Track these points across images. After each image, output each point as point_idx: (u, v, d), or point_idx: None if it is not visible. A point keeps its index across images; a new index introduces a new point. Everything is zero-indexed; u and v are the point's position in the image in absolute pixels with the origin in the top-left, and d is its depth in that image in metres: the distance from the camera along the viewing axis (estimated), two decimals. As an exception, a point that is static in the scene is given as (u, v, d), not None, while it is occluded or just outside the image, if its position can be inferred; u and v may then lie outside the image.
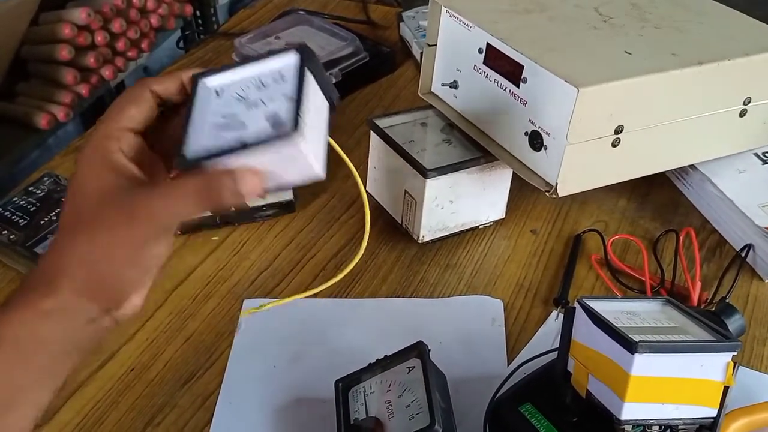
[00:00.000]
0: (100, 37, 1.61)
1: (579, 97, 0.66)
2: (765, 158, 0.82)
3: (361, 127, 0.98)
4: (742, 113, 0.77)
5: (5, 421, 0.43)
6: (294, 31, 1.08)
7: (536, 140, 0.72)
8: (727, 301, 0.70)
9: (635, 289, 0.74)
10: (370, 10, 1.23)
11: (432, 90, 0.87)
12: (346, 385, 0.62)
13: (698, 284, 0.72)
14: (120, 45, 1.65)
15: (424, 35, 1.05)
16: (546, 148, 0.71)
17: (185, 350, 0.71)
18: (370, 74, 1.06)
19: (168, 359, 0.70)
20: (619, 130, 0.71)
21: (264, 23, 1.18)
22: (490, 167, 0.77)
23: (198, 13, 1.98)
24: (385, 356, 0.62)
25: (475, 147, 0.78)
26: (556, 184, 0.71)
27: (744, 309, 0.72)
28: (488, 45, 0.75)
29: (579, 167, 0.71)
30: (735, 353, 0.54)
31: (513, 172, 0.77)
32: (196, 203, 0.44)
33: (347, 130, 0.98)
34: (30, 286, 0.45)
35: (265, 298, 0.76)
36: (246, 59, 0.50)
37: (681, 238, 0.76)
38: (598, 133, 0.70)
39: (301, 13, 1.15)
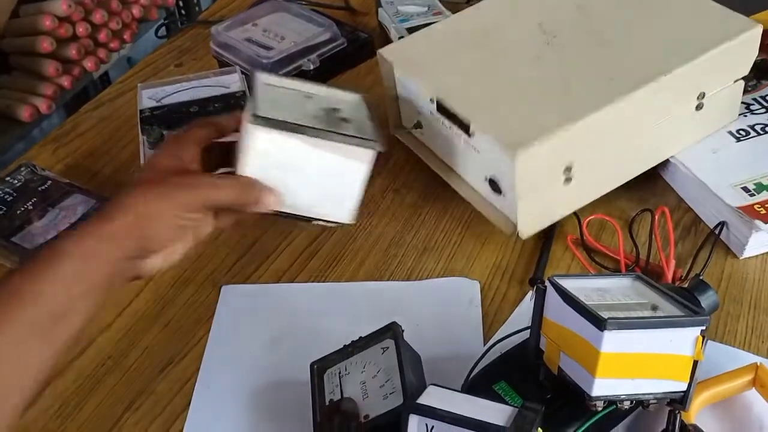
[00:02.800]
0: (81, 29, 1.60)
1: (518, 159, 0.67)
2: (739, 136, 0.82)
3: (339, 113, 0.98)
4: (699, 107, 0.78)
5: (60, 327, 0.51)
6: (272, 17, 1.08)
7: (495, 185, 0.74)
8: (700, 278, 0.70)
9: (610, 269, 0.75)
10: (350, -4, 1.22)
11: (403, 125, 0.88)
12: (321, 367, 0.62)
13: (672, 262, 0.73)
14: (102, 36, 1.65)
15: (403, 20, 1.06)
16: (504, 194, 0.74)
17: (163, 337, 0.71)
18: (349, 60, 1.06)
19: (146, 346, 0.71)
20: (568, 169, 0.72)
21: (243, 11, 1.18)
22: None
23: (181, 3, 1.98)
24: (360, 338, 0.62)
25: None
26: (518, 230, 0.73)
27: (718, 286, 0.73)
28: (437, 98, 0.76)
29: (536, 210, 0.74)
30: (704, 327, 0.54)
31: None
32: (230, 195, 0.59)
33: (326, 117, 0.98)
34: (95, 216, 0.55)
35: (243, 284, 0.76)
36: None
37: (656, 217, 0.77)
38: (548, 179, 0.72)
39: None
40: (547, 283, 0.58)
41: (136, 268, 0.56)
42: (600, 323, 0.52)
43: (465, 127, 0.74)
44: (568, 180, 0.73)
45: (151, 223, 0.55)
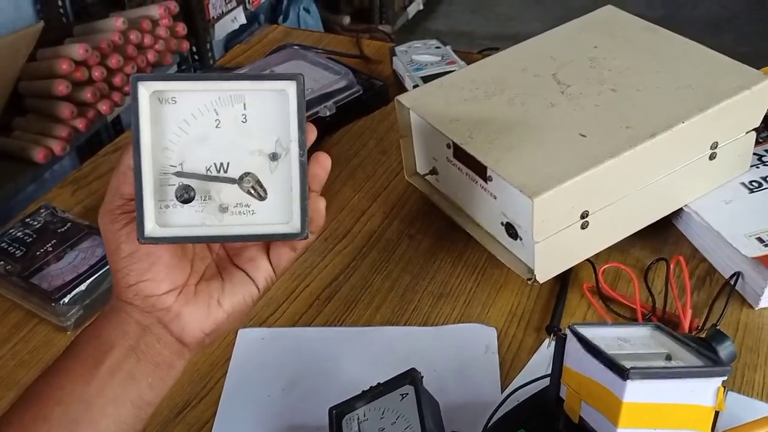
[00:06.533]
0: (97, 73, 1.63)
1: (535, 206, 0.68)
2: (752, 187, 0.83)
3: (354, 159, 1.00)
4: (712, 156, 0.79)
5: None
6: (288, 65, 1.10)
7: (511, 230, 0.75)
8: (717, 327, 0.70)
9: (626, 317, 0.75)
10: (363, 45, 1.25)
11: (417, 171, 0.90)
12: (339, 412, 0.62)
13: (689, 311, 0.73)
14: (117, 80, 1.68)
15: (417, 69, 1.08)
16: (521, 239, 0.74)
17: (180, 380, 0.70)
18: (364, 107, 1.08)
19: (162, 389, 0.70)
20: (585, 215, 0.73)
21: (259, 58, 1.20)
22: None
23: (194, 49, 2.01)
24: (379, 383, 0.62)
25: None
26: (534, 274, 0.74)
27: (734, 336, 0.73)
28: (454, 143, 0.78)
29: (553, 256, 0.74)
30: (725, 378, 0.54)
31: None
32: None
33: (341, 163, 0.99)
34: None
35: (259, 327, 0.76)
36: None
37: (671, 266, 0.77)
38: (565, 224, 0.72)
39: (295, 47, 1.17)
40: (567, 332, 0.58)
41: (160, 331, 0.55)
42: (623, 373, 0.52)
43: (482, 173, 0.75)
44: (584, 225, 0.73)
45: None
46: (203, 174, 0.49)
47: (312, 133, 0.52)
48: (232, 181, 0.50)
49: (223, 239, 0.52)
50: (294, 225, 0.50)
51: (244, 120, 0.49)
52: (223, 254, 0.55)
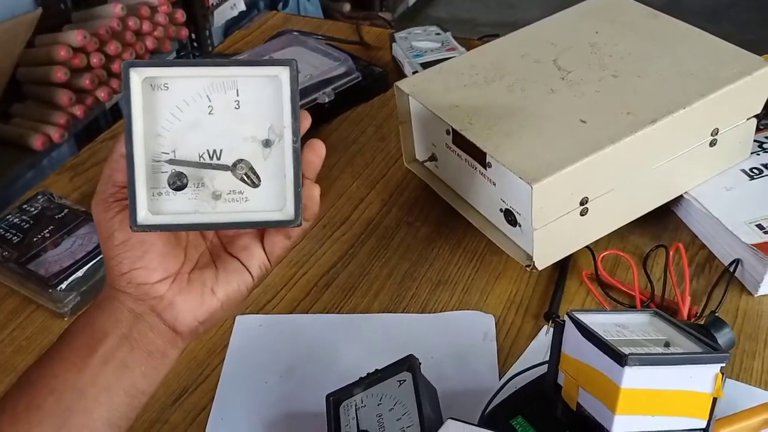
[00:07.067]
0: (95, 59, 1.63)
1: (534, 192, 0.68)
2: (752, 174, 0.82)
3: (353, 146, 0.99)
4: (712, 143, 0.79)
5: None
6: (287, 51, 1.09)
7: (510, 217, 0.75)
8: (716, 314, 0.70)
9: (625, 304, 0.75)
10: (363, 32, 1.24)
11: (416, 158, 0.89)
12: (337, 399, 0.62)
13: (688, 299, 0.73)
14: (115, 67, 1.67)
15: (416, 55, 1.07)
16: (520, 225, 0.74)
17: (177, 366, 0.70)
18: (363, 94, 1.07)
19: (160, 375, 0.70)
20: (584, 201, 0.73)
21: (258, 44, 1.20)
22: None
23: (193, 35, 2.00)
24: (376, 370, 0.62)
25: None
26: (533, 261, 0.73)
27: (733, 323, 0.73)
28: (453, 129, 0.77)
29: (552, 242, 0.74)
30: (723, 365, 0.54)
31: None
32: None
33: (339, 150, 0.99)
34: None
35: (257, 314, 0.76)
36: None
37: (671, 253, 0.77)
38: (564, 211, 0.72)
39: (295, 34, 1.16)
40: (565, 318, 0.58)
41: (153, 319, 0.54)
42: (621, 359, 0.51)
43: (481, 159, 0.75)
44: (584, 212, 0.73)
45: None
46: (196, 161, 0.49)
47: (306, 120, 0.52)
48: (225, 168, 0.49)
49: (216, 227, 0.51)
50: (287, 212, 0.50)
51: (237, 106, 0.49)
52: (217, 242, 0.54)
